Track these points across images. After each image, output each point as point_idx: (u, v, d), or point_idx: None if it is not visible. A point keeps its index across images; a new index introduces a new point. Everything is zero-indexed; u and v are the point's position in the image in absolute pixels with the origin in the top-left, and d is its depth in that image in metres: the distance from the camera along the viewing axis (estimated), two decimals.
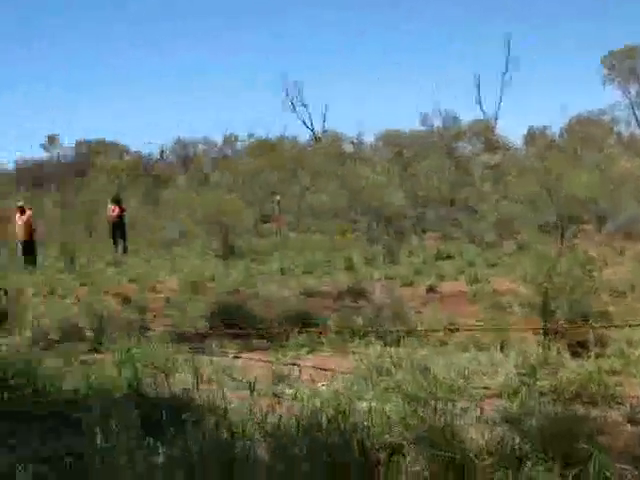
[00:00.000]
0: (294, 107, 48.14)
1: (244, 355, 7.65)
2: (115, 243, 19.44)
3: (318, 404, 4.39)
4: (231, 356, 7.27)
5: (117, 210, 19.65)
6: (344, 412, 4.15)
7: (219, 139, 48.02)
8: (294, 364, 7.11)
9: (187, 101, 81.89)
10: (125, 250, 18.98)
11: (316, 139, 46.47)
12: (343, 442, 3.64)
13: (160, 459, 3.30)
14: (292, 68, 78.98)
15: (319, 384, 5.80)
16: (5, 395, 4.39)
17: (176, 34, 79.20)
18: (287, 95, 48.31)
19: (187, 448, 3.38)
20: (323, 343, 8.45)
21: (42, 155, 48.71)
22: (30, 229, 17.97)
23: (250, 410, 4.04)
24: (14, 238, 18.36)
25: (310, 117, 48.44)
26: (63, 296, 12.50)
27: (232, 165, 31.19)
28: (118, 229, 19.45)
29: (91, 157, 44.35)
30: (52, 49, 79.24)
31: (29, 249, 17.75)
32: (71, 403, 4.47)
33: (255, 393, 5.56)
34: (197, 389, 5.18)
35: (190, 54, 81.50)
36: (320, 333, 8.73)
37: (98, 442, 3.30)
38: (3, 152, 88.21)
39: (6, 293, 10.76)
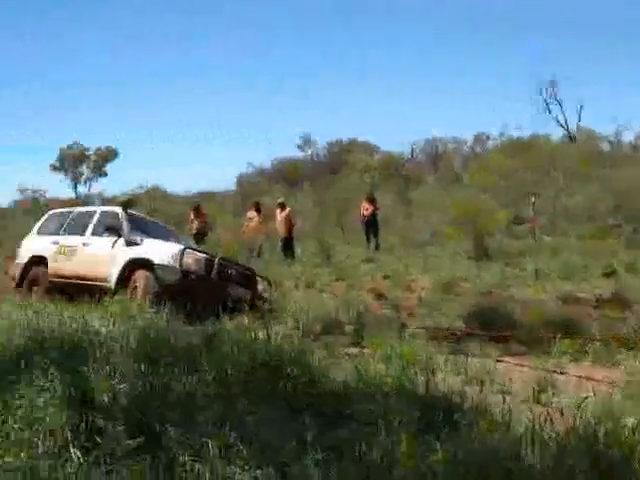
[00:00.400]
0: (548, 105, 46.35)
1: (504, 359, 7.48)
2: (368, 240, 19.86)
3: (589, 416, 4.15)
4: (491, 359, 7.08)
5: (370, 208, 20.07)
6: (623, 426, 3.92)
7: (469, 138, 47.70)
8: (557, 372, 6.84)
9: (438, 100, 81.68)
10: (377, 247, 19.30)
11: (571, 138, 44.50)
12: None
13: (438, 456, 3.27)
14: (546, 64, 75.65)
15: (586, 395, 5.47)
16: (281, 384, 4.55)
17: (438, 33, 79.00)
18: (541, 93, 46.56)
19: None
20: (587, 352, 8.05)
21: (297, 154, 51.08)
22: (290, 225, 18.84)
23: (529, 418, 3.87)
24: (275, 234, 19.33)
25: (564, 115, 46.43)
26: (320, 290, 12.95)
27: (484, 165, 30.64)
28: (371, 227, 19.83)
29: (343, 156, 45.75)
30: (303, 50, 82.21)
31: (288, 244, 18.62)
32: (340, 395, 4.58)
33: (519, 399, 5.41)
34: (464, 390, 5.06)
35: (444, 53, 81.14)
36: (587, 341, 8.32)
37: (382, 435, 3.33)
38: (260, 151, 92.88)
39: (270, 284, 11.37)
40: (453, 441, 3.52)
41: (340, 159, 44.69)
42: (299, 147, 51.78)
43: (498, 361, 7.13)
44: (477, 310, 10.09)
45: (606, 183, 24.90)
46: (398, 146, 50.78)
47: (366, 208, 20.18)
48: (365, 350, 7.11)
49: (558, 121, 46.29)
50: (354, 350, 7.25)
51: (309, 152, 51.67)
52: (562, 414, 4.22)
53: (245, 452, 3.33)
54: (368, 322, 9.12)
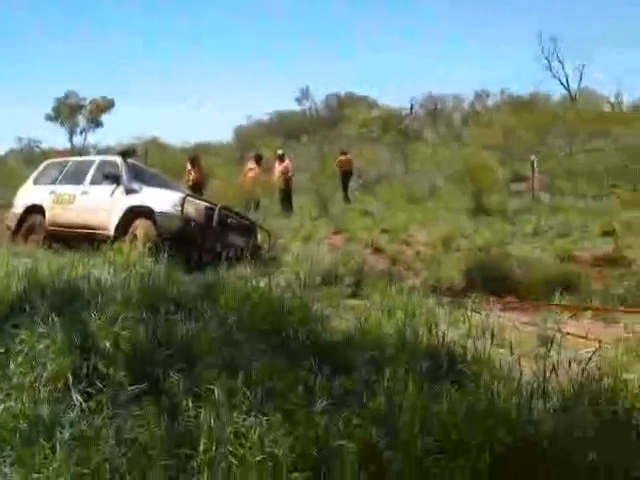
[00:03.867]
0: (549, 64, 45.91)
1: (503, 314, 7.48)
2: (345, 190, 20.26)
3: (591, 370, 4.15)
4: (492, 314, 7.07)
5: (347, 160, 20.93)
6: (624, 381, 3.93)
7: (470, 95, 47.36)
8: (557, 328, 6.83)
9: (438, 55, 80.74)
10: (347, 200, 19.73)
11: (572, 98, 44.18)
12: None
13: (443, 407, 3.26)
14: (549, 22, 74.78)
15: (584, 350, 5.47)
16: (283, 333, 4.53)
17: None
18: (543, 51, 46.08)
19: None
20: (586, 310, 8.07)
21: (295, 107, 50.74)
22: (288, 177, 18.76)
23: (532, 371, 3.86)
24: (273, 187, 19.26)
25: (566, 75, 46.04)
26: (319, 242, 12.92)
27: (483, 122, 30.45)
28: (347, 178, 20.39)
29: (341, 109, 45.50)
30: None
31: (286, 197, 18.57)
32: (342, 344, 4.56)
33: (520, 353, 5.40)
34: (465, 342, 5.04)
35: (445, 6, 80.00)
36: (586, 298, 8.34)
37: (385, 384, 3.32)
38: (259, 104, 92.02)
39: (269, 235, 11.34)
40: (457, 390, 3.52)
41: (338, 113, 44.45)
42: (297, 100, 51.52)
43: (498, 315, 7.11)
44: (475, 265, 10.09)
45: (607, 143, 24.77)
46: (397, 102, 50.48)
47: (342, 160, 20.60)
48: (363, 302, 7.07)
49: (560, 80, 45.98)
50: (354, 302, 7.22)
51: (307, 105, 51.46)
52: (564, 368, 4.21)
53: (250, 399, 3.32)
54: (367, 275, 9.11)
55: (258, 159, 19.22)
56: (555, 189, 21.51)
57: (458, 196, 18.99)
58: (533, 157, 21.81)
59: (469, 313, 6.50)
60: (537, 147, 23.88)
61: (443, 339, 4.72)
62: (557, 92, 45.87)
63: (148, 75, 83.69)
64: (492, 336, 5.56)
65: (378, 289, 7.50)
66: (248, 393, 3.37)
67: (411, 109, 44.98)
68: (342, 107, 46.52)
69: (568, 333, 6.29)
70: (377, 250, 12.43)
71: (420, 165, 24.75)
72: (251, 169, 18.80)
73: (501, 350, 5.09)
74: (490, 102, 45.30)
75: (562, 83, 46.13)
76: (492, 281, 9.27)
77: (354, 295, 8.02)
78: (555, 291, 8.63)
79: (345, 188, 20.40)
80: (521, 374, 3.84)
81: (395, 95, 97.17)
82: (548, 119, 28.17)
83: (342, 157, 21.18)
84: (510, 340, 5.62)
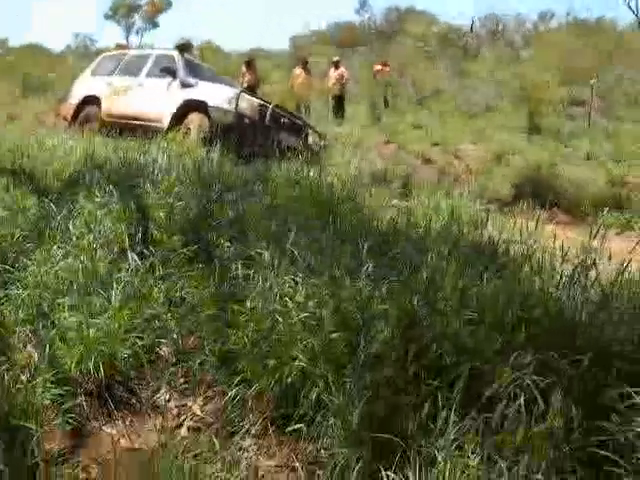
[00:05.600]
0: None
1: (550, 225, 7.47)
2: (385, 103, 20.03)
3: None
4: (538, 223, 7.07)
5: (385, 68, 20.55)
6: None
7: (533, 16, 45.91)
8: (602, 241, 6.83)
9: None
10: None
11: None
12: None
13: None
14: None
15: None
16: (331, 217, 4.60)
17: None
18: None
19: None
20: (633, 228, 8.04)
21: (354, 18, 49.83)
22: (342, 84, 18.58)
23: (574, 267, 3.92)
24: (325, 93, 19.12)
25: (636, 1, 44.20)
26: (369, 148, 12.90)
27: (546, 42, 29.55)
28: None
29: (400, 24, 44.51)
30: None
31: (340, 103, 18.43)
32: (389, 233, 4.64)
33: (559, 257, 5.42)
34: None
35: None
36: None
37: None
38: (317, 13, 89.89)
39: (321, 137, 11.34)
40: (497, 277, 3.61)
41: (397, 26, 43.50)
42: (356, 11, 50.53)
43: (545, 226, 7.11)
44: (525, 181, 10.04)
45: None
46: (457, 19, 49.19)
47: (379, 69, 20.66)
48: (411, 203, 7.12)
49: (629, 6, 44.17)
50: (402, 202, 7.28)
51: (366, 17, 50.43)
52: (606, 272, 4.24)
53: (299, 264, 3.45)
54: (415, 181, 9.14)
55: (304, 63, 18.96)
56: (614, 115, 21.00)
57: (513, 115, 18.66)
58: (593, 81, 21.26)
59: (515, 221, 6.54)
60: (600, 72, 23.17)
61: (488, 238, 4.79)
62: (625, 19, 44.10)
63: None
64: (536, 241, 5.62)
65: (426, 193, 7.54)
66: (297, 257, 3.50)
67: (472, 27, 43.79)
68: (401, 21, 45.50)
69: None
70: (427, 161, 12.40)
71: (477, 82, 24.26)
72: (298, 75, 18.61)
73: (545, 255, 5.14)
74: (554, 24, 43.90)
75: (631, 8, 44.34)
76: (541, 196, 9.20)
77: (402, 196, 8.07)
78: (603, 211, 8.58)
79: (385, 101, 20.20)
80: (561, 274, 3.89)
81: (456, 13, 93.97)
82: (613, 44, 27.22)
83: (379, 66, 20.89)
84: (554, 246, 5.68)
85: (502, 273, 3.82)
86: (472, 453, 2.40)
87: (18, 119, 17.96)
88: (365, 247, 3.61)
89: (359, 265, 3.41)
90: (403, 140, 14.29)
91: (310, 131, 11.19)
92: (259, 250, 3.60)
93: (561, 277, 3.77)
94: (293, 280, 3.32)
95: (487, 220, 6.08)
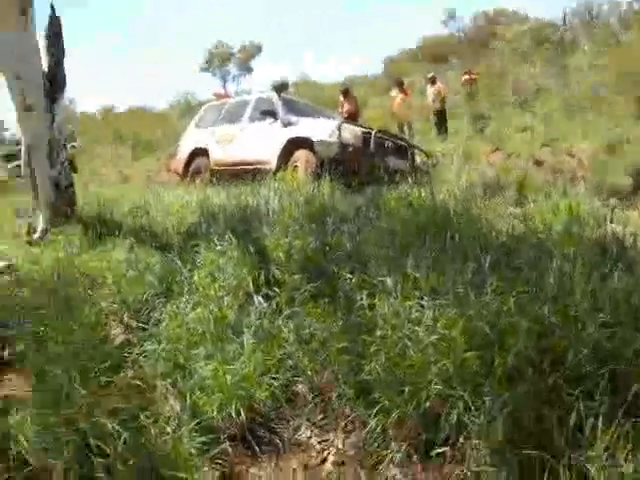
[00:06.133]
0: None
1: None
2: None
3: None
4: None
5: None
6: None
7: None
8: None
9: None
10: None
11: None
12: None
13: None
14: None
15: None
16: (449, 235, 4.55)
17: None
18: None
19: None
20: None
21: (442, 31, 49.48)
22: (441, 99, 18.49)
23: None
24: (424, 110, 19.12)
25: None
26: (477, 160, 12.76)
27: None
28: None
29: (490, 29, 43.91)
30: None
31: (441, 119, 18.34)
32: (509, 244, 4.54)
33: None
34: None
35: None
36: None
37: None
38: (406, 29, 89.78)
39: (427, 156, 11.30)
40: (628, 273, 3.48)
41: (488, 30, 42.95)
42: (443, 23, 50.21)
43: None
44: None
45: None
46: (548, 13, 48.09)
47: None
48: (529, 207, 6.95)
49: None
50: (517, 210, 7.13)
51: (455, 28, 50.08)
52: None
53: (422, 284, 3.43)
54: (529, 186, 8.95)
55: (400, 85, 18.96)
56: None
57: (621, 102, 18.01)
58: None
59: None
60: None
61: (613, 233, 4.62)
62: None
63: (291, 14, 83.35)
64: None
65: (542, 196, 7.35)
66: (419, 280, 3.48)
67: (564, 19, 42.74)
68: (491, 24, 44.93)
69: None
70: (538, 163, 12.13)
71: (577, 75, 23.61)
72: (395, 97, 18.63)
73: None
74: None
75: None
76: None
77: (518, 204, 7.90)
78: None
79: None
80: None
81: (546, 6, 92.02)
82: None
83: (466, 76, 20.80)
84: None
85: (633, 269, 3.68)
86: (625, 461, 2.32)
87: (131, 180, 18.78)
88: (487, 261, 3.55)
89: (483, 280, 3.35)
90: (511, 146, 14.05)
91: (416, 151, 11.17)
92: (381, 278, 3.60)
93: None
94: (419, 304, 3.30)
95: (611, 215, 5.91)
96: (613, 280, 3.28)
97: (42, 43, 7.23)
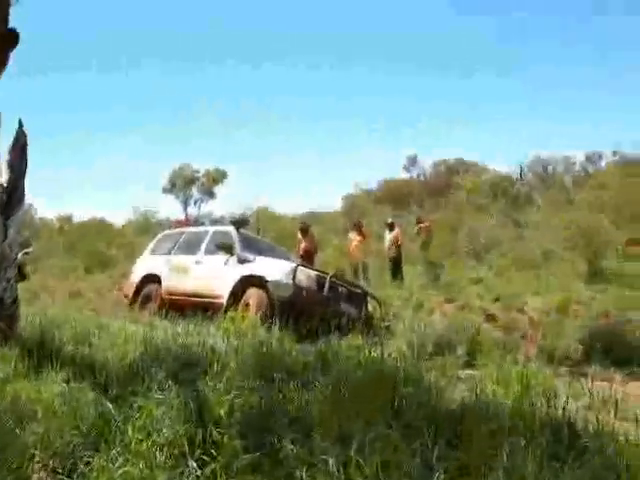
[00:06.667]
0: None
1: (627, 384, 7.12)
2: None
3: None
4: (614, 384, 6.74)
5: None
6: None
7: (580, 156, 46.25)
8: None
9: (543, 116, 79.08)
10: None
11: None
12: None
13: None
14: None
15: None
16: (397, 402, 4.44)
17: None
18: None
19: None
20: None
21: (403, 175, 50.92)
22: (397, 246, 18.71)
23: None
24: (381, 255, 19.34)
25: None
26: (430, 311, 12.78)
27: (597, 184, 29.70)
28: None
29: (450, 176, 45.30)
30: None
31: (396, 265, 18.48)
32: (457, 416, 4.43)
33: None
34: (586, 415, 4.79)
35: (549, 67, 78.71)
36: None
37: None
38: (367, 172, 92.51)
39: (380, 304, 11.30)
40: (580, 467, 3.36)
41: (447, 179, 44.29)
42: (405, 168, 51.80)
43: (622, 386, 6.77)
44: (595, 333, 9.69)
45: None
46: (506, 165, 49.82)
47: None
48: (479, 372, 6.88)
49: None
50: (468, 372, 7.06)
51: (415, 173, 51.65)
52: None
53: (366, 470, 3.26)
54: (480, 344, 8.91)
55: (359, 228, 19.17)
56: None
57: (572, 261, 18.45)
58: None
59: (589, 384, 6.24)
60: None
61: (563, 411, 4.53)
62: None
63: (258, 146, 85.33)
64: (616, 408, 5.32)
65: (492, 359, 7.31)
66: (363, 466, 3.31)
67: (521, 173, 44.38)
68: (451, 173, 46.40)
69: None
70: (490, 318, 12.16)
71: (531, 231, 24.30)
72: (353, 239, 18.82)
73: (625, 423, 4.84)
74: (603, 164, 44.22)
75: None
76: (613, 349, 8.86)
77: (468, 365, 7.84)
78: None
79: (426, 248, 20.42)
80: None
81: (502, 159, 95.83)
82: None
83: (420, 225, 21.20)
84: (636, 412, 5.36)
85: (585, 460, 3.56)
86: None
87: (80, 296, 18.45)
88: (435, 450, 3.41)
89: (430, 469, 3.21)
90: (464, 297, 14.13)
91: (370, 298, 11.18)
92: (323, 456, 3.43)
93: None
94: None
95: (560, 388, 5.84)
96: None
97: (4, 157, 7.12)
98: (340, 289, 10.36)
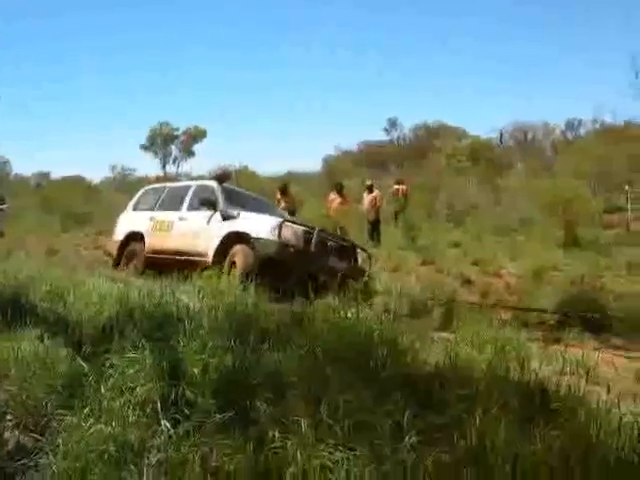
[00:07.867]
0: None
1: (601, 350, 7.18)
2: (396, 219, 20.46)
3: None
4: (588, 349, 6.78)
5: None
6: None
7: (560, 124, 46.40)
8: None
9: (527, 85, 79.21)
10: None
11: None
12: None
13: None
14: None
15: None
16: (372, 363, 4.44)
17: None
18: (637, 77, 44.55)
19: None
20: None
21: (383, 138, 50.87)
22: (377, 208, 18.73)
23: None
24: (360, 217, 19.33)
25: None
26: (407, 273, 12.80)
27: (576, 151, 29.76)
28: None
29: (430, 140, 45.25)
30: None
31: (375, 227, 18.52)
32: (431, 378, 4.44)
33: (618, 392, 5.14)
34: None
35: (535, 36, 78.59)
36: None
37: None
38: (347, 134, 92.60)
39: (369, 257, 11.11)
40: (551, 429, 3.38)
41: (427, 143, 44.24)
42: (386, 130, 51.72)
43: (594, 352, 6.82)
44: (569, 299, 9.76)
45: None
46: (486, 131, 49.82)
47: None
48: (454, 335, 6.90)
49: None
50: (443, 334, 7.06)
51: (395, 136, 51.58)
52: None
53: (337, 431, 3.27)
54: (456, 307, 8.95)
55: (339, 189, 19.10)
56: None
57: (549, 228, 18.55)
58: (627, 187, 21.19)
59: (562, 348, 6.29)
60: (632, 177, 23.12)
61: (536, 375, 4.55)
62: None
63: (239, 106, 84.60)
64: (587, 373, 5.36)
65: (468, 323, 7.33)
66: (335, 426, 3.32)
67: (500, 139, 44.45)
68: (431, 137, 46.33)
69: None
70: (466, 282, 12.22)
71: (510, 196, 24.37)
72: (333, 199, 18.77)
73: (597, 388, 4.89)
74: (582, 131, 44.38)
75: None
76: (586, 315, 8.92)
77: (443, 328, 7.87)
78: None
79: (395, 216, 20.56)
80: (621, 418, 3.63)
81: (483, 124, 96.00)
82: None
83: (397, 187, 21.31)
84: (607, 377, 5.42)
85: (556, 423, 3.59)
86: None
87: (57, 253, 18.31)
88: (407, 414, 3.41)
89: (402, 431, 3.21)
90: (441, 261, 14.18)
91: (358, 251, 10.95)
92: (295, 417, 3.42)
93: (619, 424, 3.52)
94: (334, 448, 3.13)
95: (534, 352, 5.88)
96: (535, 442, 3.17)
97: None
98: (328, 243, 10.15)
